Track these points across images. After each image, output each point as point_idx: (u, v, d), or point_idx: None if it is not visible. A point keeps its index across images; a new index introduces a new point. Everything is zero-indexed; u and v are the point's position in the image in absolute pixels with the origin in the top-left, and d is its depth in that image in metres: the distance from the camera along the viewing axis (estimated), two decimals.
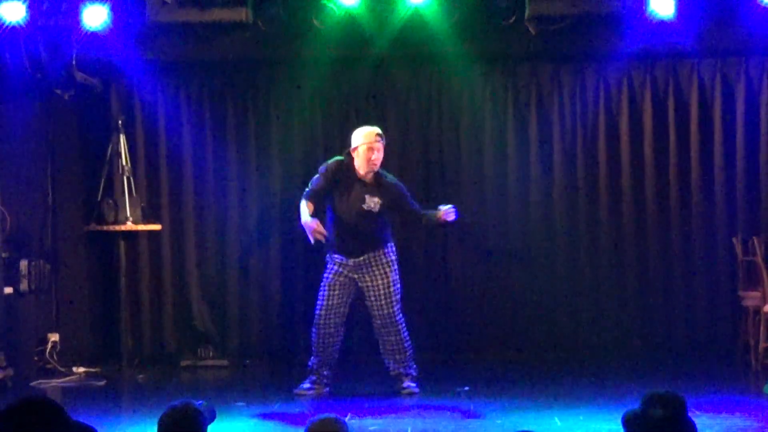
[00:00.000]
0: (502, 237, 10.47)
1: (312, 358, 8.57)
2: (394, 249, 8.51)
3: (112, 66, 10.05)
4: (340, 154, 8.47)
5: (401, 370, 8.54)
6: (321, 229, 8.09)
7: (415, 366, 8.61)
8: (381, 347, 8.58)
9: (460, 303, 10.46)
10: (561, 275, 10.46)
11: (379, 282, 8.39)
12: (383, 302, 8.40)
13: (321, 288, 8.45)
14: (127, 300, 10.36)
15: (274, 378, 9.78)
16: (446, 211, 8.40)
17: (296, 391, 8.54)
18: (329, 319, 8.41)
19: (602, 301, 10.45)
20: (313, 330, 8.48)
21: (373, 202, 8.31)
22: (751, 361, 9.54)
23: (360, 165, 8.32)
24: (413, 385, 8.51)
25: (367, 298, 8.45)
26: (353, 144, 8.36)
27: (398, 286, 8.46)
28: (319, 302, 8.43)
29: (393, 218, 8.72)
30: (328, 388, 8.56)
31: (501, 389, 8.75)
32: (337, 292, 8.39)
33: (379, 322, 8.46)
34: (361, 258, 8.35)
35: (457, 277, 10.48)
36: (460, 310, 10.46)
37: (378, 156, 8.29)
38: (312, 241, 8.22)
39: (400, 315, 8.49)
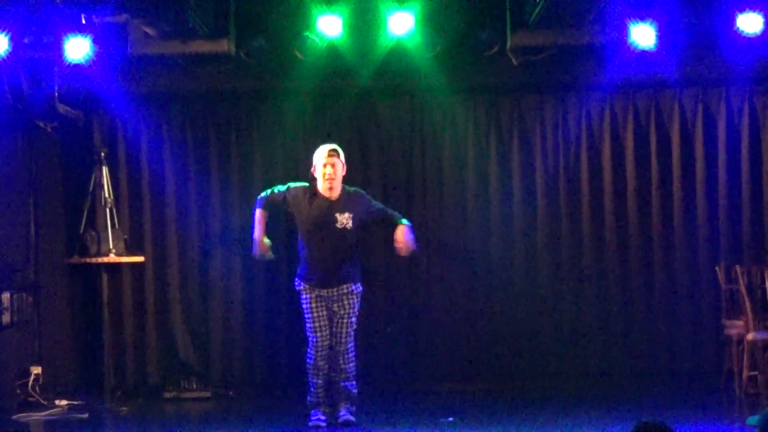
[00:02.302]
0: (484, 265, 10.46)
1: (311, 391, 8.42)
2: (361, 288, 8.44)
3: (94, 98, 10.06)
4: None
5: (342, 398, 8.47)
6: (268, 254, 8.45)
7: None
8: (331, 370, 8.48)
9: (443, 333, 10.44)
10: (544, 303, 10.46)
11: (347, 311, 8.32)
12: (345, 332, 8.32)
13: (307, 320, 8.34)
14: (110, 332, 10.31)
15: (258, 409, 9.73)
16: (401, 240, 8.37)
17: (311, 423, 8.39)
18: (325, 345, 8.32)
19: (586, 330, 10.46)
20: (310, 362, 8.35)
21: (344, 218, 8.27)
22: (735, 390, 9.56)
23: (319, 184, 8.33)
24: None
25: (333, 325, 8.37)
26: (313, 165, 8.40)
27: (356, 318, 8.42)
28: (312, 335, 8.31)
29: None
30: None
31: (485, 419, 8.75)
32: (324, 315, 8.31)
33: (336, 348, 8.37)
34: (335, 289, 8.29)
35: (440, 305, 10.46)
36: (443, 340, 10.43)
37: (333, 171, 8.28)
38: (256, 254, 8.47)
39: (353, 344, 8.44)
